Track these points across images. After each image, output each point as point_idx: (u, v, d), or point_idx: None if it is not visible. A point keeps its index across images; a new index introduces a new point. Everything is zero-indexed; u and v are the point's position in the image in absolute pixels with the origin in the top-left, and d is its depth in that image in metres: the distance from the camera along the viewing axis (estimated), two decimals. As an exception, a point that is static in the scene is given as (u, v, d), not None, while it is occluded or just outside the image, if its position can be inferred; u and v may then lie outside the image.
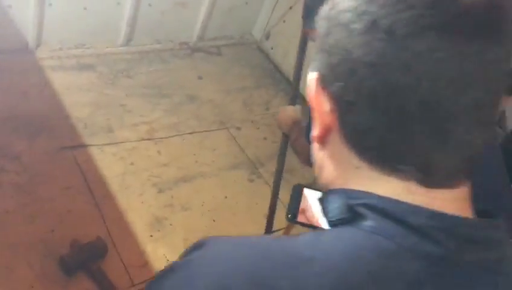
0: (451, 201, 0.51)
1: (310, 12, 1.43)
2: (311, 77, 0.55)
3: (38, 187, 2.16)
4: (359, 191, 0.52)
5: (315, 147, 0.59)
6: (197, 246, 0.53)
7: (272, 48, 3.53)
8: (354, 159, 0.53)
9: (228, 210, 2.45)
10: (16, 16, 2.58)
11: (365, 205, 0.50)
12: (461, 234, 0.49)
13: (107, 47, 2.97)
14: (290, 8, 3.27)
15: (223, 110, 2.97)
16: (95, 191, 2.25)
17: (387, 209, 0.49)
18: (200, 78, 3.12)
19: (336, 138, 0.54)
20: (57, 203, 2.14)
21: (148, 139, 2.61)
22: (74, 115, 2.54)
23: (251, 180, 2.64)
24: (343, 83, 0.50)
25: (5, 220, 2.00)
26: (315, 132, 0.56)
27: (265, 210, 1.96)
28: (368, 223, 0.49)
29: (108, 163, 2.40)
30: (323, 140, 0.56)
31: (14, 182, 2.15)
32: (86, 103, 2.63)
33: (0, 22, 2.56)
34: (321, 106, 0.54)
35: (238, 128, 2.89)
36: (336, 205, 0.52)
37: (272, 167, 2.48)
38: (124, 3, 2.86)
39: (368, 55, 0.48)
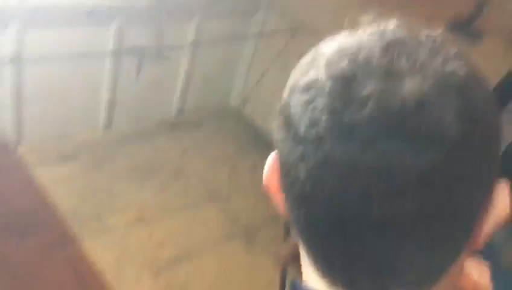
0: None
1: None
2: (273, 154, 0.49)
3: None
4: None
5: None
6: None
7: (251, 113, 3.57)
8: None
9: (228, 284, 2.39)
10: (-6, 117, 2.60)
11: None
12: None
13: (87, 134, 2.98)
14: (264, 72, 3.34)
15: (210, 183, 2.96)
16: (91, 285, 2.19)
17: None
18: (183, 152, 3.13)
19: None
20: (52, 303, 2.07)
21: (139, 222, 2.57)
22: (62, 208, 2.50)
23: (247, 251, 2.60)
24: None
25: (0, 329, 1.93)
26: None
27: (266, 280, 1.92)
28: None
29: (100, 253, 2.35)
30: None
31: (6, 287, 2.08)
32: (73, 194, 2.60)
33: (-21, 125, 2.56)
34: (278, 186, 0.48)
35: (228, 199, 2.88)
36: None
37: (267, 232, 2.46)
38: (100, 90, 2.89)
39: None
